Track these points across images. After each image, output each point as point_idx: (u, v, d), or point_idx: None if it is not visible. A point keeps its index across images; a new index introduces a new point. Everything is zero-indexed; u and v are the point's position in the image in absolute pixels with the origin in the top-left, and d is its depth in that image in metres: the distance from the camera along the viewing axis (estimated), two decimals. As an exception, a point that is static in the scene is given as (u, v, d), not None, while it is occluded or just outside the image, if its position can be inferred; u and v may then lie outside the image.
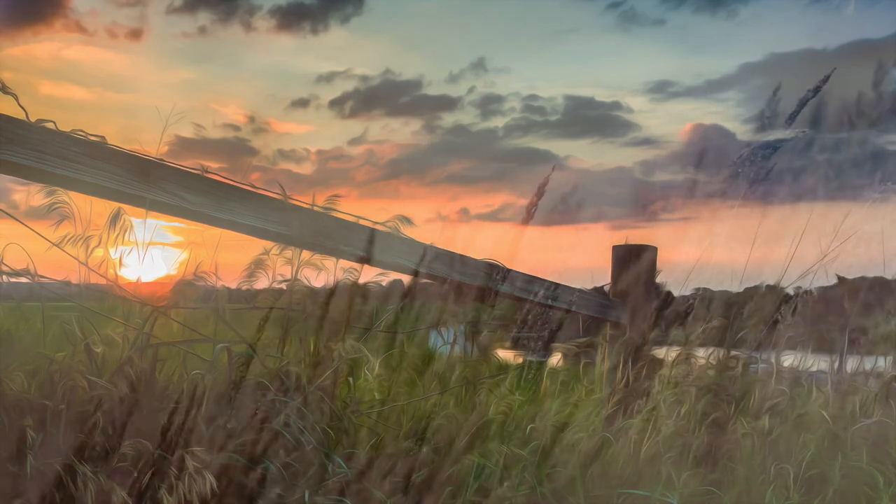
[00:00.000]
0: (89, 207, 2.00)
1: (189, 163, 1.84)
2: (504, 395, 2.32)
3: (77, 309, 1.97)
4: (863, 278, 2.64)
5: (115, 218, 2.02)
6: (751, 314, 2.50)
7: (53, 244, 1.93)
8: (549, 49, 5.73)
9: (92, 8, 4.91)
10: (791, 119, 2.11)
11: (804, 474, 2.16)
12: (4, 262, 1.84)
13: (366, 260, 2.05)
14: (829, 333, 2.63)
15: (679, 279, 2.79)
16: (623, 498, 2.03)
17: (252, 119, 5.11)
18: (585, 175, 5.47)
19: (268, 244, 2.09)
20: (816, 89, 2.10)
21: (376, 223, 2.18)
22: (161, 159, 1.78)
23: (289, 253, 2.13)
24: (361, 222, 2.12)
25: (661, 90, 5.65)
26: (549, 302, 2.65)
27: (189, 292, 2.04)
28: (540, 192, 2.35)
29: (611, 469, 2.15)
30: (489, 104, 5.69)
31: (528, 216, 2.33)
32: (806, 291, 2.56)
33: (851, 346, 2.70)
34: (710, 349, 2.56)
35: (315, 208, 2.04)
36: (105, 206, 1.99)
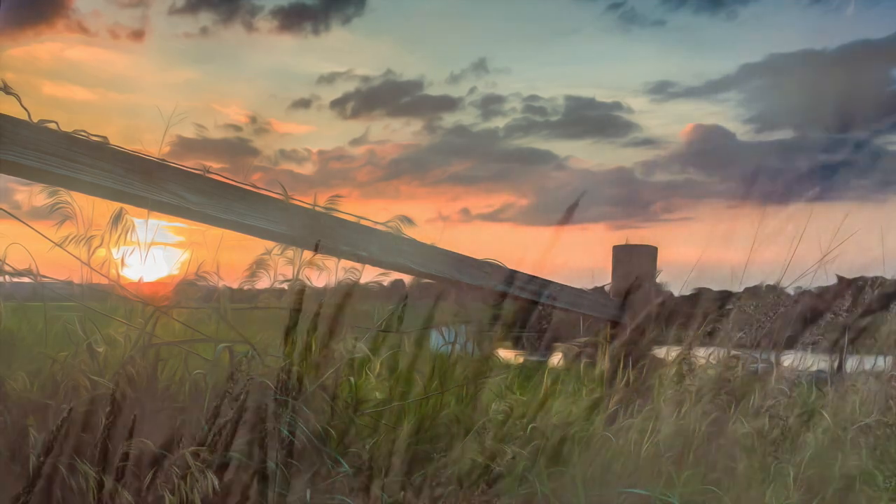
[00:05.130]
0: (91, 208, 2.00)
1: (191, 163, 1.85)
2: (505, 395, 2.33)
3: (79, 309, 1.98)
4: (863, 278, 2.64)
5: (117, 218, 2.03)
6: (750, 314, 2.51)
7: (56, 244, 1.93)
8: (550, 49, 5.74)
9: (94, 9, 4.92)
10: None
11: (804, 474, 2.17)
12: (7, 262, 1.85)
13: (367, 260, 2.06)
14: (828, 333, 2.63)
15: (679, 279, 2.79)
16: (623, 497, 2.03)
17: (254, 119, 5.12)
18: (586, 175, 5.48)
19: (269, 244, 2.10)
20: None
21: (377, 223, 2.19)
22: (163, 160, 1.79)
23: (290, 253, 2.13)
24: (363, 222, 2.13)
25: (662, 91, 5.65)
26: (550, 302, 2.65)
27: (191, 292, 2.05)
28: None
29: (611, 468, 2.16)
30: (490, 104, 5.69)
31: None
32: (806, 291, 2.56)
33: (851, 345, 2.70)
34: (711, 349, 2.56)
35: (317, 208, 2.04)
36: (107, 207, 2.00)
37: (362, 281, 2.18)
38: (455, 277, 2.33)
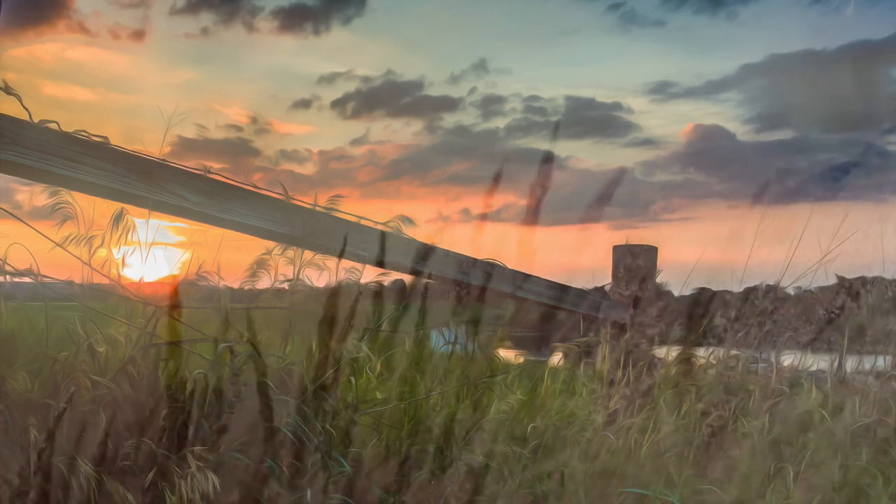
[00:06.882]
0: (92, 208, 2.01)
1: (191, 163, 1.85)
2: (505, 395, 2.33)
3: (80, 309, 1.98)
4: (862, 278, 2.64)
5: (118, 218, 2.03)
6: (751, 314, 2.51)
7: (56, 244, 1.94)
8: (550, 50, 5.75)
9: (95, 9, 4.92)
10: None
11: (804, 474, 2.17)
12: (8, 262, 1.85)
13: (368, 260, 2.06)
14: (828, 333, 2.64)
15: (679, 279, 2.79)
16: (623, 497, 2.03)
17: (254, 120, 5.12)
18: (586, 175, 5.48)
19: (270, 244, 2.10)
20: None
21: (378, 223, 2.19)
22: (164, 160, 1.79)
23: (291, 253, 2.13)
24: (363, 222, 2.13)
25: (662, 91, 5.66)
26: (550, 302, 2.65)
27: (192, 292, 2.05)
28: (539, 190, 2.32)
29: (611, 468, 2.16)
30: (490, 105, 5.70)
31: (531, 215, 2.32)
32: (806, 291, 2.57)
33: (851, 345, 2.70)
34: (710, 349, 2.57)
35: (317, 208, 2.05)
36: (108, 207, 2.00)
37: (363, 280, 2.19)
38: (455, 277, 2.33)
